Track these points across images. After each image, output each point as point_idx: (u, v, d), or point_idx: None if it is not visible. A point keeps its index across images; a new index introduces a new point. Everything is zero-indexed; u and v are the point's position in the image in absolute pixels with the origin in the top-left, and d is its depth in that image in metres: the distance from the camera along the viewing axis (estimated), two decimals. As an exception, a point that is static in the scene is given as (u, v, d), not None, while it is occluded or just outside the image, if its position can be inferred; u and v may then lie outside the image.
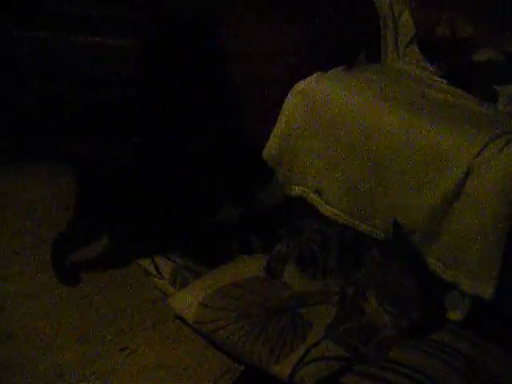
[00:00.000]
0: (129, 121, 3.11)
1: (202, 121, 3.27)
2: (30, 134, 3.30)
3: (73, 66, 3.08)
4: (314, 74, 2.43)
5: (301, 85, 2.42)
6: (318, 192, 2.41)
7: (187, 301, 2.18)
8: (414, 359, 1.96)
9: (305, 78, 2.43)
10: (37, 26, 3.09)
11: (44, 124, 3.28)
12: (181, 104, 3.30)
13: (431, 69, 2.59)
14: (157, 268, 2.41)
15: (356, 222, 2.33)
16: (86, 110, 3.19)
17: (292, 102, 2.42)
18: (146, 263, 2.45)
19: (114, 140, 2.87)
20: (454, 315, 2.13)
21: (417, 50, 2.64)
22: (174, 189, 2.57)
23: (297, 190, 2.49)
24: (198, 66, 3.45)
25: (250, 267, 2.35)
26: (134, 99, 3.08)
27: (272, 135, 2.49)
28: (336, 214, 2.37)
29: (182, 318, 2.19)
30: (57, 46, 3.06)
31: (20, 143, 3.31)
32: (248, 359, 2.00)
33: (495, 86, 2.44)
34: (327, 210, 2.39)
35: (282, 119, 2.45)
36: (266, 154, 2.52)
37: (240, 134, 2.67)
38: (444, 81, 2.52)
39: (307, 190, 2.45)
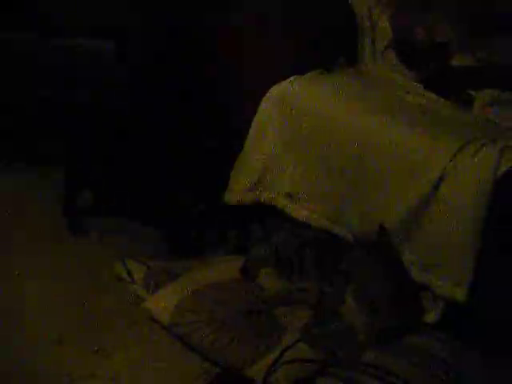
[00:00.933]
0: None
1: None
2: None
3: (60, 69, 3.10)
4: (291, 78, 2.44)
5: (276, 89, 2.43)
6: (289, 196, 2.42)
7: (162, 303, 2.19)
8: (389, 362, 1.96)
9: (280, 82, 2.44)
10: (26, 27, 3.10)
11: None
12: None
13: (408, 74, 2.61)
14: (129, 272, 2.40)
15: (330, 225, 2.33)
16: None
17: (266, 105, 2.44)
18: (118, 267, 2.44)
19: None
20: (429, 317, 2.14)
21: (393, 55, 2.66)
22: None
23: (267, 196, 2.49)
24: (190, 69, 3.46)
25: (225, 269, 2.35)
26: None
27: (247, 137, 2.49)
28: (310, 218, 2.37)
29: (157, 321, 2.19)
30: (44, 47, 3.08)
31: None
32: (223, 361, 2.00)
33: (470, 91, 2.46)
34: (300, 214, 2.40)
35: (257, 122, 2.46)
36: (239, 157, 2.54)
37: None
38: (420, 86, 2.53)
39: (277, 195, 2.46)
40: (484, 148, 2.06)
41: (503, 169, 2.00)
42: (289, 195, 2.42)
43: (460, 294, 2.04)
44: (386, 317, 2.04)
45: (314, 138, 2.34)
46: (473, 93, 2.45)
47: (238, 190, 2.52)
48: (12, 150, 3.28)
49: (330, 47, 2.57)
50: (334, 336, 2.04)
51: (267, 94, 2.43)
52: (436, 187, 2.08)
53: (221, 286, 2.25)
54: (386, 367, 1.93)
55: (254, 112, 2.48)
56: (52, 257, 2.56)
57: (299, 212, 2.40)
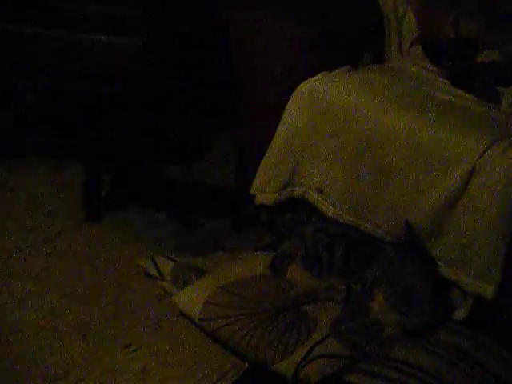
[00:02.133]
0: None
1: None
2: (29, 131, 3.34)
3: (72, 63, 3.11)
4: (319, 74, 2.44)
5: (306, 85, 2.42)
6: (320, 191, 2.42)
7: (192, 299, 2.20)
8: (418, 358, 1.96)
9: (310, 78, 2.44)
10: (38, 22, 3.11)
11: (43, 120, 3.32)
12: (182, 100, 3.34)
13: (434, 70, 2.60)
14: (157, 268, 2.42)
15: (359, 222, 2.33)
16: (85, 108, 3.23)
17: (296, 102, 2.43)
18: (146, 264, 2.46)
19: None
20: (457, 314, 2.14)
21: (420, 51, 2.66)
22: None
23: (299, 191, 2.50)
24: (199, 63, 3.48)
25: (254, 265, 2.36)
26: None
27: (276, 135, 2.49)
28: (338, 214, 2.37)
29: (186, 316, 2.20)
30: (58, 42, 3.09)
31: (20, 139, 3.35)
32: (252, 357, 2.01)
33: (498, 88, 2.45)
34: (329, 210, 2.40)
35: (287, 118, 2.46)
36: (267, 156, 2.54)
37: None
38: (447, 82, 2.53)
39: (309, 190, 2.46)
40: (513, 145, 2.05)
41: (533, 166, 1.99)
42: (319, 190, 2.42)
43: (489, 292, 2.03)
44: (417, 314, 2.04)
45: (342, 134, 2.33)
46: (500, 89, 2.44)
47: (273, 191, 2.52)
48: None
49: (357, 43, 2.57)
50: (362, 331, 2.04)
51: (296, 91, 2.43)
52: (465, 184, 2.07)
53: (250, 282, 2.26)
54: (415, 363, 1.93)
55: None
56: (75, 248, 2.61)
57: (328, 207, 2.40)
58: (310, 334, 2.03)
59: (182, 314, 2.22)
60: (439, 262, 2.15)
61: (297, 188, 2.50)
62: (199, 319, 2.14)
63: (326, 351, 1.96)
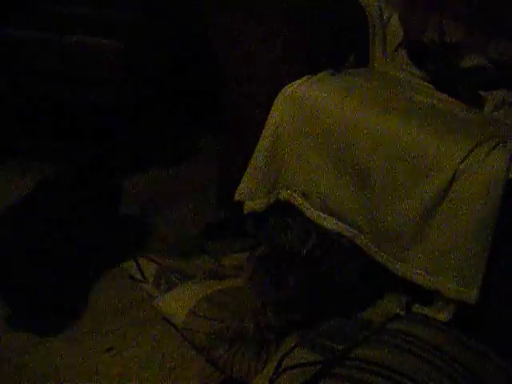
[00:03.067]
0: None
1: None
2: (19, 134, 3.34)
3: (62, 66, 3.11)
4: (303, 78, 2.43)
5: (289, 88, 2.42)
6: (304, 195, 2.42)
7: (175, 305, 2.21)
8: (394, 359, 1.89)
9: (293, 81, 2.44)
10: (27, 25, 3.12)
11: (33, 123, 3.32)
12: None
13: (419, 74, 2.60)
14: (140, 271, 2.41)
15: (342, 225, 2.33)
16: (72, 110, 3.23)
17: (280, 106, 2.42)
18: (129, 266, 2.45)
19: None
20: (441, 317, 2.12)
21: (405, 55, 2.65)
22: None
23: (285, 194, 2.49)
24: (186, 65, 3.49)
25: (238, 272, 2.38)
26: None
27: (260, 139, 2.48)
28: (322, 218, 2.37)
29: (168, 321, 2.21)
30: (47, 45, 3.09)
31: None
32: (229, 371, 2.03)
33: (482, 92, 2.46)
34: (313, 214, 2.39)
35: (271, 122, 2.45)
36: (253, 161, 2.53)
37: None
38: (431, 86, 2.53)
39: (294, 193, 2.46)
40: (495, 149, 2.04)
41: (515, 170, 1.99)
42: (303, 194, 2.42)
43: (472, 296, 2.03)
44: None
45: (324, 137, 2.33)
46: (484, 94, 2.45)
47: (262, 196, 2.51)
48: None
49: (341, 47, 2.57)
50: (333, 334, 2.03)
51: (279, 94, 2.43)
52: (447, 189, 2.06)
53: (233, 292, 2.26)
54: (393, 365, 1.86)
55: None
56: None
57: (312, 211, 2.40)
58: (279, 345, 2.05)
59: (165, 319, 2.22)
60: (419, 271, 2.14)
61: (282, 191, 2.50)
62: (182, 328, 2.15)
63: (296, 361, 1.93)
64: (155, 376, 2.04)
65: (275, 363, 1.95)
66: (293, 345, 2.01)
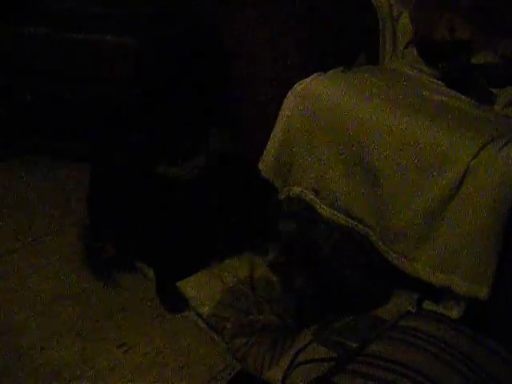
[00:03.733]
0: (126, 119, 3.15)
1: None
2: (27, 131, 3.34)
3: (70, 64, 3.11)
4: (313, 75, 2.44)
5: (300, 85, 2.43)
6: (315, 191, 2.43)
7: (200, 294, 2.25)
8: (406, 355, 1.92)
9: (304, 78, 2.44)
10: (36, 22, 3.12)
11: (41, 121, 3.32)
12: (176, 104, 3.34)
13: (429, 71, 2.60)
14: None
15: (353, 222, 2.34)
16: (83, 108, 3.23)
17: (291, 103, 2.44)
18: (143, 267, 2.46)
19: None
20: (452, 314, 2.13)
21: (415, 52, 2.65)
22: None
23: (295, 190, 2.50)
24: (196, 66, 3.49)
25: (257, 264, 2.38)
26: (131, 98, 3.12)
27: (272, 135, 2.50)
28: (333, 214, 2.38)
29: (195, 311, 2.25)
30: (56, 42, 3.09)
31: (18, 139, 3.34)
32: (244, 363, 2.05)
33: (492, 89, 2.45)
34: (324, 210, 2.41)
35: (282, 119, 2.46)
36: (265, 156, 2.54)
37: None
38: (442, 83, 2.53)
39: (305, 189, 2.47)
40: (506, 146, 2.05)
41: (527, 167, 1.99)
42: (314, 190, 2.42)
43: (483, 292, 2.04)
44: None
45: (335, 135, 2.34)
46: (495, 91, 2.45)
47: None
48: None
49: (352, 44, 2.57)
50: (347, 331, 2.06)
51: (290, 92, 2.44)
52: (458, 185, 2.07)
53: (256, 284, 2.30)
54: (406, 362, 1.89)
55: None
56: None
57: (323, 207, 2.41)
58: (294, 340, 2.06)
59: (189, 307, 2.27)
60: (429, 269, 2.15)
61: (293, 188, 2.51)
62: (209, 315, 2.19)
63: (310, 356, 1.97)
64: (167, 372, 2.05)
65: (290, 358, 1.97)
66: (307, 341, 2.04)
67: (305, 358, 1.96)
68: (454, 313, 2.13)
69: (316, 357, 1.96)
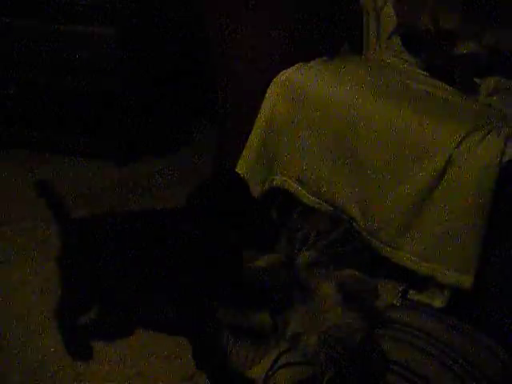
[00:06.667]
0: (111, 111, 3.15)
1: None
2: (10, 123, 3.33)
3: (54, 54, 3.10)
4: (296, 65, 2.44)
5: (283, 75, 2.42)
6: (299, 181, 2.42)
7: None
8: (401, 355, 1.87)
9: (287, 68, 2.44)
10: (19, 12, 3.10)
11: (24, 113, 3.32)
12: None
13: (413, 61, 2.60)
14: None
15: (338, 212, 2.33)
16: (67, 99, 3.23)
17: (275, 92, 2.43)
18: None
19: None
20: (437, 303, 2.14)
21: (399, 42, 2.65)
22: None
23: (278, 180, 2.50)
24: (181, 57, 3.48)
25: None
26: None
27: (254, 126, 2.49)
28: (317, 203, 2.38)
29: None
30: (39, 33, 3.08)
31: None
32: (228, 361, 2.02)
33: (476, 79, 2.46)
34: (309, 199, 2.41)
35: (264, 109, 2.45)
36: (247, 147, 2.53)
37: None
38: (425, 73, 2.53)
39: (289, 179, 2.46)
40: (489, 135, 2.05)
41: (509, 156, 2.00)
42: (298, 180, 2.42)
43: (467, 282, 2.04)
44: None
45: (318, 124, 2.33)
46: (478, 80, 2.45)
47: (257, 182, 2.52)
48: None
49: (335, 34, 2.57)
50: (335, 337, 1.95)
51: (273, 81, 2.43)
52: (441, 174, 2.07)
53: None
54: (399, 361, 1.84)
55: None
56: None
57: (307, 197, 2.41)
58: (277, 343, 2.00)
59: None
60: (413, 258, 2.15)
61: (277, 177, 2.50)
62: None
63: (293, 359, 1.91)
64: (152, 364, 2.05)
65: (273, 358, 1.94)
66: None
67: (288, 360, 1.91)
68: (439, 302, 2.13)
69: (299, 360, 1.90)
